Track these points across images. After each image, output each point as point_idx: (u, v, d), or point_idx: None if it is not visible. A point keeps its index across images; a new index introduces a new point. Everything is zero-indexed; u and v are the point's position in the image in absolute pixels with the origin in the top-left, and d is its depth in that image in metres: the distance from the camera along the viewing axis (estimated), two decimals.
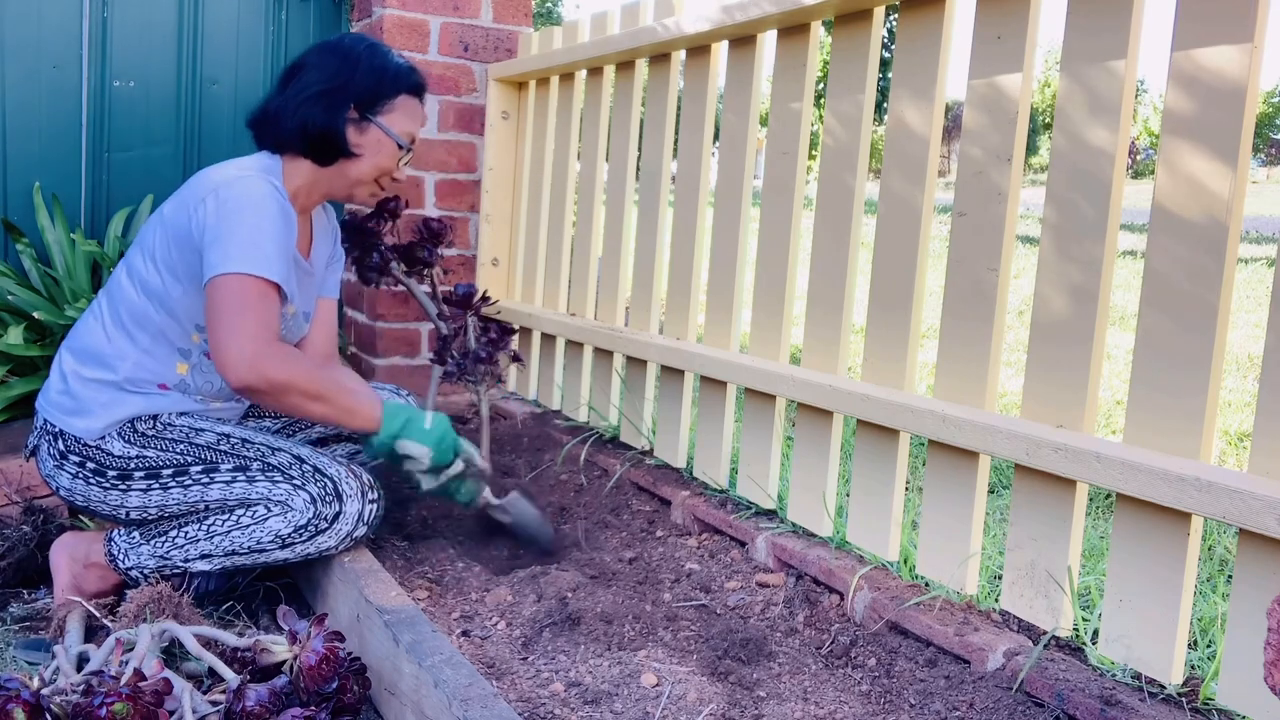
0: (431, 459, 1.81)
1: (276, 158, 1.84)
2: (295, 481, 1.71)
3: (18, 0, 2.63)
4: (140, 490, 1.73)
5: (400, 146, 1.88)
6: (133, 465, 1.73)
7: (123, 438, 1.75)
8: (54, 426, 1.76)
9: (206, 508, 1.73)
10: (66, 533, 1.88)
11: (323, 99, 1.80)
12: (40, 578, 1.97)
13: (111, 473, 1.74)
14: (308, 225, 1.95)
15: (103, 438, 1.74)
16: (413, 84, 1.89)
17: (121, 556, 1.76)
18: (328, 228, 2.03)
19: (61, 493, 1.78)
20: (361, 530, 1.74)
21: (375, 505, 1.75)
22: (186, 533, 1.73)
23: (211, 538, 1.72)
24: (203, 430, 1.78)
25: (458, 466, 1.87)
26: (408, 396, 2.10)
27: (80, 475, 1.75)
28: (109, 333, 1.78)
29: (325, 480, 1.72)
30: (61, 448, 1.76)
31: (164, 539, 1.74)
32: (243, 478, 1.72)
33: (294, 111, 1.80)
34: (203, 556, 1.73)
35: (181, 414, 1.81)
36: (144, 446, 1.75)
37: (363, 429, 1.77)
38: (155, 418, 1.78)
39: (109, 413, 1.76)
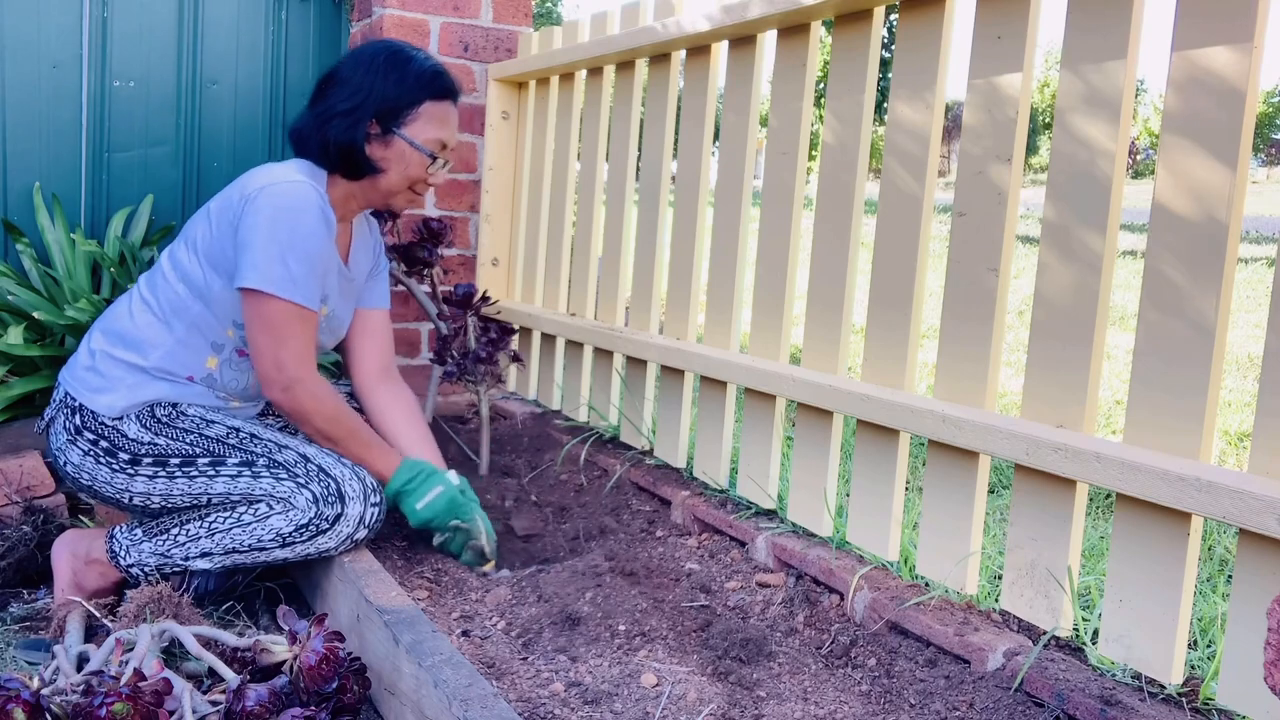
0: (424, 526, 1.84)
1: (321, 167, 1.87)
2: (299, 480, 1.72)
3: (18, 0, 2.63)
4: (146, 477, 1.75)
5: (430, 157, 1.86)
6: (144, 451, 1.75)
7: (140, 421, 1.77)
8: (74, 401, 1.79)
9: (209, 502, 1.74)
10: (68, 530, 1.88)
11: (343, 118, 1.82)
12: (40, 578, 1.97)
13: (123, 455, 1.75)
14: (347, 233, 1.97)
15: (121, 418, 1.77)
16: (437, 90, 1.86)
17: (123, 554, 1.76)
18: (368, 239, 2.04)
19: (69, 469, 1.79)
20: (362, 533, 1.74)
21: (377, 509, 1.76)
22: (188, 530, 1.74)
23: (213, 535, 1.72)
24: (214, 422, 1.80)
25: (449, 533, 1.87)
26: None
27: (91, 453, 1.76)
28: (145, 320, 1.82)
29: (329, 481, 1.72)
30: (78, 423, 1.78)
31: (165, 536, 1.75)
32: (248, 473, 1.73)
33: (317, 131, 1.84)
34: (203, 554, 1.73)
35: (200, 405, 1.84)
36: (157, 434, 1.77)
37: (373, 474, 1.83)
38: (175, 405, 1.81)
39: (133, 394, 1.78)
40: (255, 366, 1.76)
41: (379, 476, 1.82)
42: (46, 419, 1.85)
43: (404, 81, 1.83)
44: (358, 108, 1.82)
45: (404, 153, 1.85)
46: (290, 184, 1.74)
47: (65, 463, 1.80)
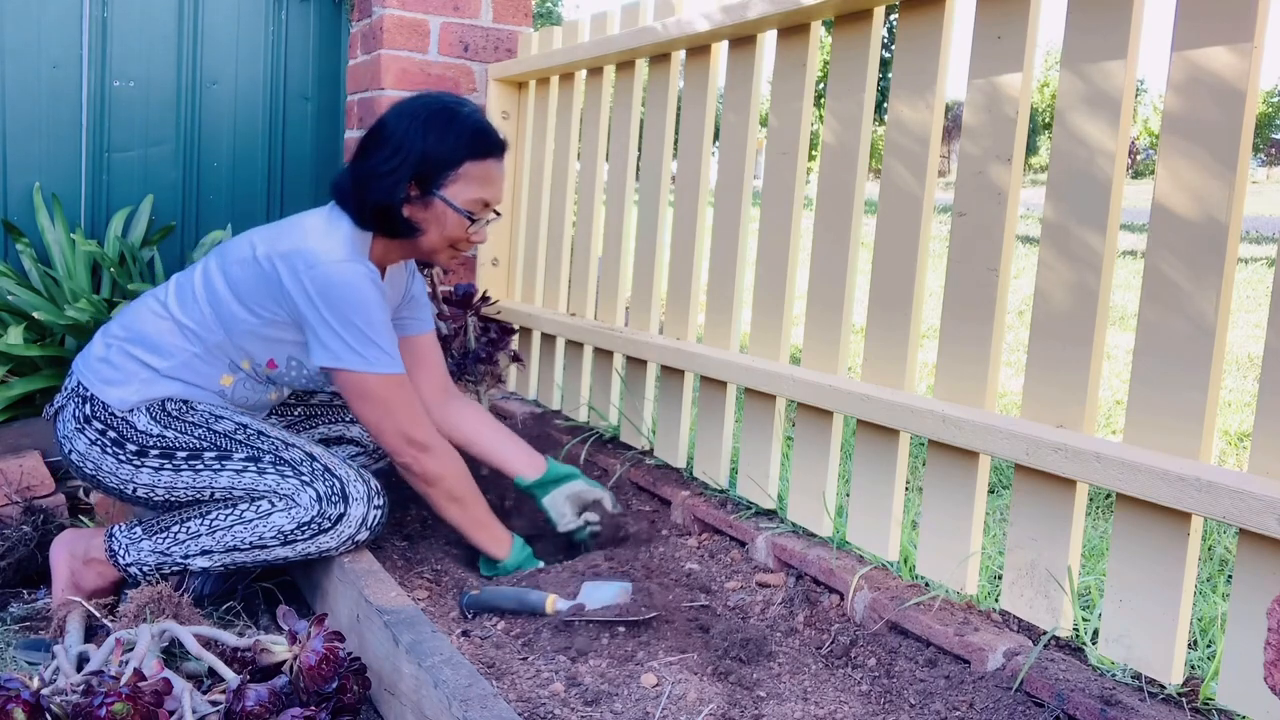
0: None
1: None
2: (304, 478, 1.72)
3: (18, 0, 2.63)
4: (152, 469, 1.75)
5: (469, 219, 1.80)
6: (151, 443, 1.76)
7: (150, 414, 1.78)
8: (86, 390, 1.79)
9: (212, 496, 1.74)
10: (66, 530, 1.88)
11: (380, 180, 1.76)
12: (40, 578, 1.97)
13: (130, 446, 1.76)
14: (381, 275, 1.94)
15: (132, 411, 1.77)
16: (479, 150, 1.79)
17: (122, 552, 1.76)
18: (401, 274, 1.99)
19: (74, 457, 1.80)
20: (364, 535, 1.74)
21: (380, 511, 1.76)
22: (188, 527, 1.74)
23: (214, 532, 1.72)
24: (222, 418, 1.81)
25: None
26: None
27: (99, 443, 1.77)
28: (167, 327, 1.82)
29: (334, 480, 1.73)
30: (88, 412, 1.78)
31: (165, 534, 1.75)
32: (253, 468, 1.73)
33: (355, 191, 1.79)
34: (203, 552, 1.73)
35: (210, 403, 1.85)
36: (166, 427, 1.77)
37: (485, 547, 1.87)
38: (186, 401, 1.81)
39: (146, 389, 1.79)
40: (379, 441, 1.79)
41: (490, 553, 1.87)
42: (56, 406, 1.86)
43: (444, 142, 1.76)
44: (396, 169, 1.76)
45: (443, 214, 1.79)
46: (344, 265, 1.71)
47: (71, 450, 1.80)
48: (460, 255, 1.90)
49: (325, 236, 1.75)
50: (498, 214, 1.89)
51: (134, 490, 1.77)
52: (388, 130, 1.79)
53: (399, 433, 1.76)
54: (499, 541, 1.87)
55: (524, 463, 2.01)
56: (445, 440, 1.83)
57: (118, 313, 1.91)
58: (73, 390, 1.82)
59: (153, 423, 1.77)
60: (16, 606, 1.87)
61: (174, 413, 1.79)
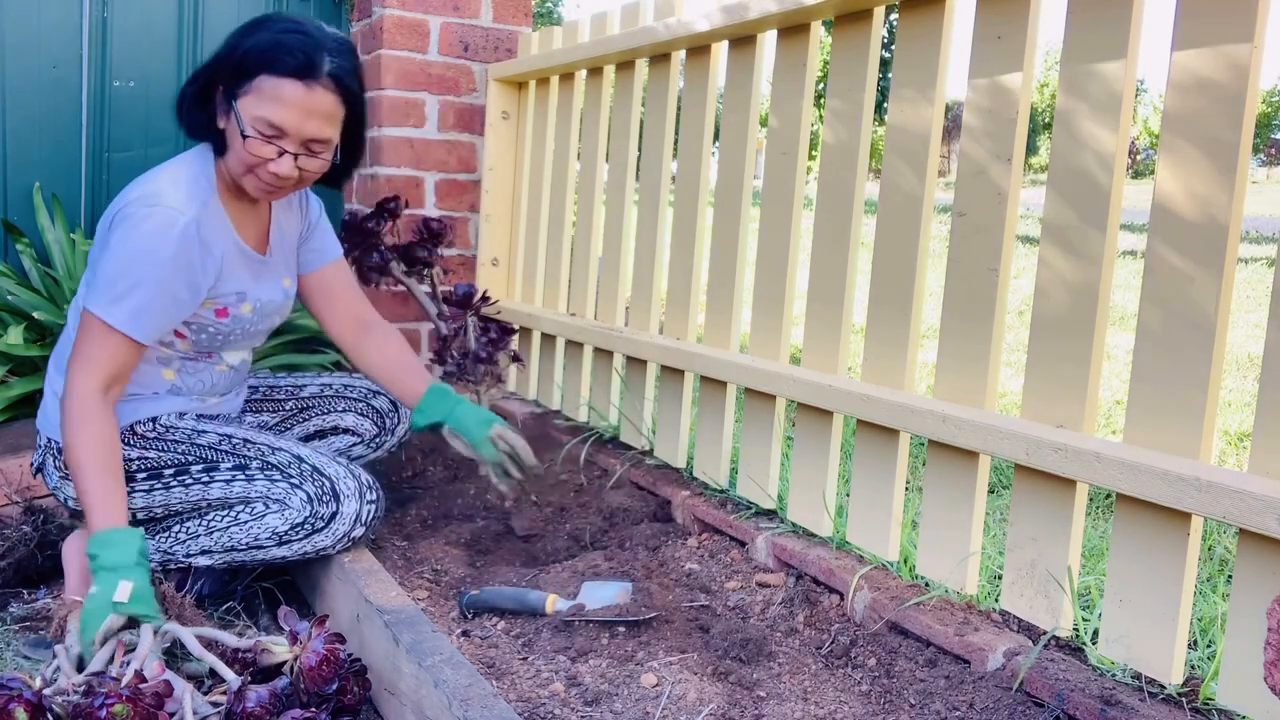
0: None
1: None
2: (293, 480, 1.72)
3: (18, 0, 2.63)
4: (144, 491, 1.75)
5: (242, 134, 1.61)
6: (134, 467, 1.74)
7: (125, 443, 1.75)
8: (57, 444, 1.77)
9: (209, 505, 1.74)
10: (78, 529, 1.89)
11: (192, 84, 1.69)
12: (40, 578, 1.97)
13: None
14: (264, 213, 1.83)
15: None
16: (274, 64, 1.60)
17: None
18: (291, 201, 1.88)
19: (71, 504, 1.80)
20: (359, 531, 1.74)
21: (374, 506, 1.76)
22: (188, 528, 1.74)
23: (211, 533, 1.73)
24: (205, 431, 1.79)
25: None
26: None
27: None
28: None
29: (323, 480, 1.72)
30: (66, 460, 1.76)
31: (167, 534, 1.76)
32: (242, 476, 1.73)
33: (178, 101, 1.72)
34: (204, 552, 1.74)
35: (181, 414, 1.82)
36: (145, 448, 1.75)
37: (85, 501, 1.57)
38: (154, 420, 1.78)
39: None
40: (69, 367, 1.62)
41: (91, 527, 1.55)
42: (35, 465, 1.85)
43: (241, 49, 1.63)
44: (200, 73, 1.68)
45: (234, 129, 1.63)
46: (151, 213, 1.62)
47: (66, 498, 1.80)
48: (266, 186, 1.67)
49: (162, 172, 1.69)
50: (311, 153, 1.65)
51: (133, 515, 1.76)
52: None
53: (71, 376, 1.59)
54: (91, 524, 1.54)
55: (410, 396, 1.89)
56: (104, 407, 1.59)
57: (51, 357, 1.83)
58: (45, 446, 1.80)
59: (128, 449, 1.74)
60: (16, 606, 1.87)
61: (147, 434, 1.76)
